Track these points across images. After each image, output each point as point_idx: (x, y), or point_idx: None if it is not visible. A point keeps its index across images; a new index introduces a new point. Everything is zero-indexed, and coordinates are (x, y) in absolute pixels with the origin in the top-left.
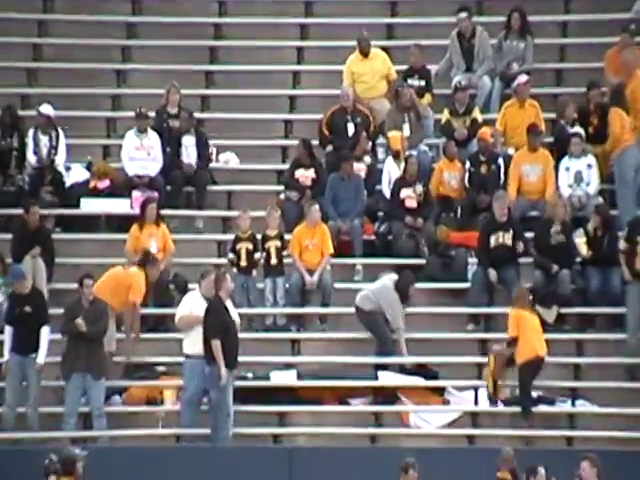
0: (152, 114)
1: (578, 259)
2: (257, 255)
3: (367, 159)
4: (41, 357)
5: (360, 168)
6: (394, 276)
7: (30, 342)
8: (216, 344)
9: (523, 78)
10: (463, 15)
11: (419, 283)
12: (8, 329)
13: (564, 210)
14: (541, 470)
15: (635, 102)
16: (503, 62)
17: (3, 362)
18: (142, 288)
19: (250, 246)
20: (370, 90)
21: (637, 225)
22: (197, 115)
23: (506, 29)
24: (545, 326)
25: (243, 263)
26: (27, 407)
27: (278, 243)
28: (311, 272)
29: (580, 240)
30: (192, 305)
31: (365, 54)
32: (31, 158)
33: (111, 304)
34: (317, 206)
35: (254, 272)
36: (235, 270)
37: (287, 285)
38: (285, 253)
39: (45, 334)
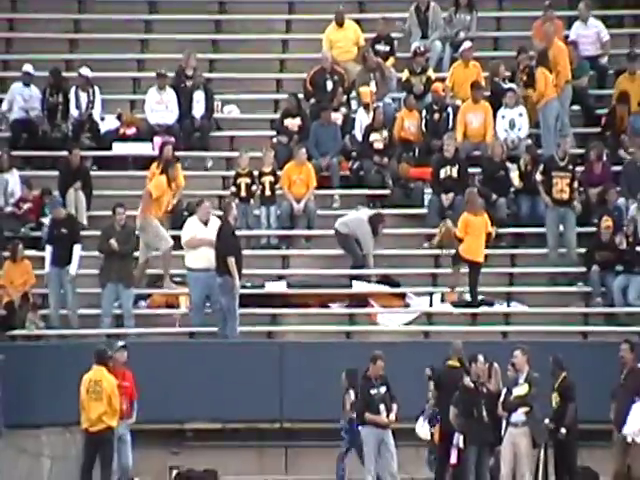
0: (171, 74)
1: (512, 189)
2: (254, 187)
3: (343, 110)
4: (73, 269)
5: (337, 117)
6: (369, 212)
7: (65, 257)
8: (231, 260)
9: (468, 44)
10: None
11: (385, 209)
12: (49, 247)
13: (501, 150)
14: (480, 357)
15: (556, 65)
16: (453, 31)
17: (45, 274)
18: (161, 184)
19: (248, 180)
20: (344, 54)
21: (551, 162)
22: (206, 75)
23: (455, 4)
24: (486, 242)
25: (243, 194)
26: (67, 309)
27: (272, 178)
28: (298, 201)
29: (514, 174)
30: (194, 229)
31: (340, 24)
32: (73, 111)
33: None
34: (304, 149)
35: (251, 201)
36: (236, 200)
37: (279, 212)
38: (277, 186)
39: (77, 251)
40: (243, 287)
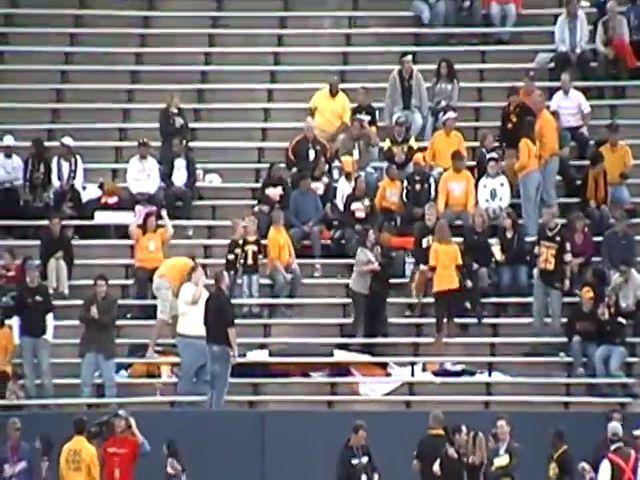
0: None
1: (493, 259)
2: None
3: (325, 179)
4: (49, 335)
5: (318, 186)
6: None
7: (39, 326)
8: (232, 332)
9: (452, 114)
10: (408, 58)
11: None
12: (16, 318)
13: (482, 220)
14: (464, 428)
15: (542, 136)
16: (435, 101)
17: (17, 344)
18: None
19: (238, 251)
20: (328, 124)
21: (539, 233)
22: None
23: (437, 75)
24: (466, 312)
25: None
26: (42, 378)
27: (255, 247)
28: (286, 269)
29: (495, 248)
30: (192, 289)
31: (333, 95)
32: (55, 180)
33: (174, 283)
34: (281, 213)
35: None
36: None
37: (270, 281)
38: (260, 256)
39: (51, 319)
40: None
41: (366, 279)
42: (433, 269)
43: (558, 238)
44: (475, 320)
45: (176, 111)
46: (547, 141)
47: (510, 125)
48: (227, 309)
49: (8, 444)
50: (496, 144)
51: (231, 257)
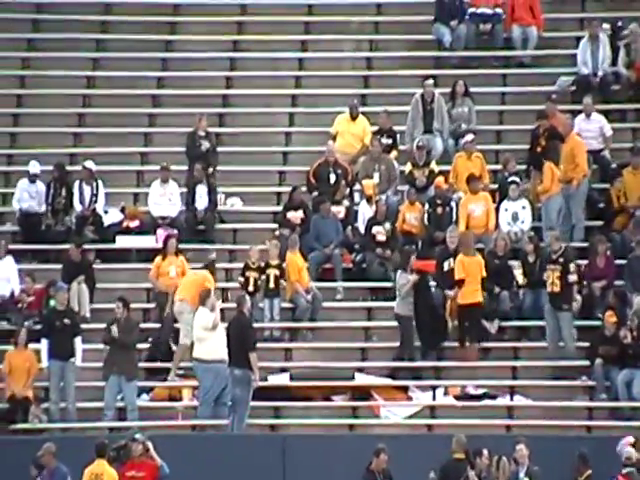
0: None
1: (515, 282)
2: (260, 281)
3: (345, 202)
4: (79, 360)
5: (339, 210)
6: None
7: (67, 349)
8: (254, 357)
9: (470, 137)
10: (429, 82)
11: (387, 302)
12: (45, 340)
13: (504, 243)
14: (485, 452)
15: (574, 157)
16: (454, 125)
17: (45, 367)
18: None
19: (256, 274)
20: (349, 147)
21: (546, 257)
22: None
23: (452, 97)
24: (488, 336)
25: (250, 288)
26: (67, 402)
27: (277, 271)
28: (307, 292)
29: (517, 271)
30: (208, 315)
31: (353, 118)
32: (77, 204)
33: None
34: (296, 236)
35: (257, 295)
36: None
37: (291, 305)
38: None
39: (79, 342)
40: None
41: (409, 302)
42: (461, 282)
43: (562, 260)
44: (496, 344)
45: (203, 134)
46: (579, 162)
47: (539, 148)
48: (249, 333)
49: (45, 471)
50: (518, 167)
51: (241, 279)
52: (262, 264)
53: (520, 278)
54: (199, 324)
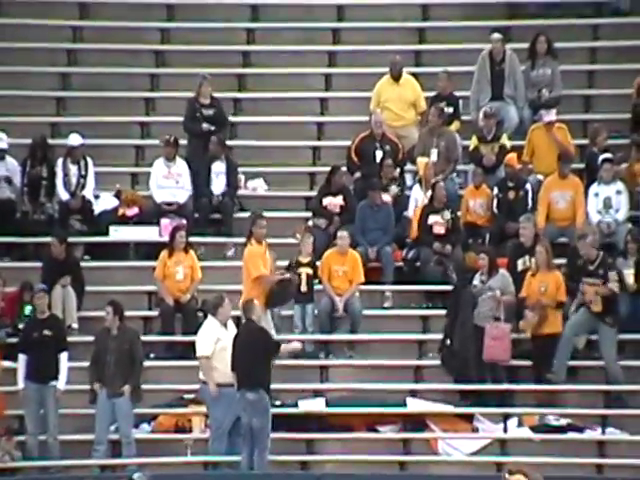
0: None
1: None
2: None
3: (394, 188)
4: (61, 383)
5: (387, 197)
6: None
7: (48, 368)
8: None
9: (552, 115)
10: (497, 36)
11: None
12: (22, 356)
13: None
14: None
15: None
16: (533, 90)
17: (20, 391)
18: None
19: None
20: (397, 118)
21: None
22: (226, 142)
23: (531, 56)
24: (575, 353)
25: (303, 288)
26: (48, 435)
27: (310, 270)
28: (339, 297)
29: (628, 271)
30: (214, 334)
31: (396, 79)
32: (60, 188)
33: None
34: (346, 233)
35: None
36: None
37: (316, 311)
38: (316, 281)
39: (64, 360)
40: (272, 406)
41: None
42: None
43: (601, 271)
44: (583, 362)
45: (207, 102)
46: None
47: None
48: (263, 341)
49: None
50: (611, 142)
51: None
52: (292, 262)
53: (631, 279)
54: (206, 339)
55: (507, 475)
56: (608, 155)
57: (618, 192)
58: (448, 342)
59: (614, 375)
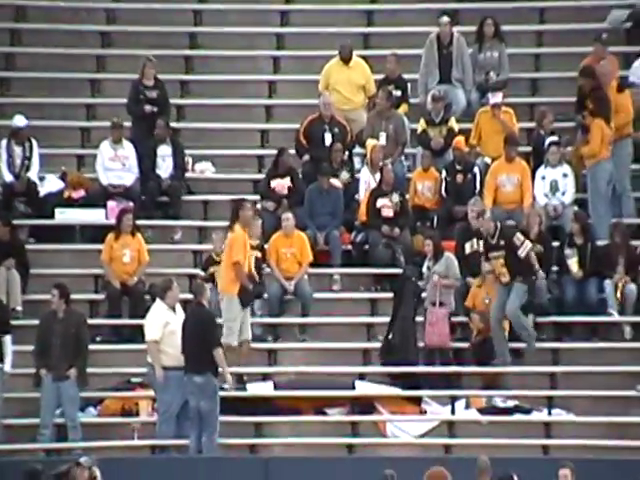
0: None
1: (554, 268)
2: None
3: (344, 174)
4: (8, 365)
5: (338, 182)
6: None
7: None
8: (220, 352)
9: (498, 97)
10: (445, 20)
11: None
12: None
13: (538, 220)
14: (515, 478)
15: (615, 114)
16: (480, 73)
17: None
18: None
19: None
20: (346, 101)
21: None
22: (173, 125)
23: (478, 39)
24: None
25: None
26: None
27: (258, 254)
28: (288, 281)
29: (572, 260)
30: (163, 318)
31: (346, 61)
32: (4, 170)
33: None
34: (290, 214)
35: None
36: (211, 284)
37: (265, 295)
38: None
39: (9, 343)
40: (220, 389)
41: None
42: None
43: (502, 242)
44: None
45: (151, 84)
46: (622, 119)
47: (586, 111)
48: (210, 328)
49: None
50: (558, 125)
51: (203, 274)
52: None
53: (575, 268)
54: (155, 323)
55: None
56: (555, 138)
57: (565, 175)
58: (390, 336)
59: (517, 326)
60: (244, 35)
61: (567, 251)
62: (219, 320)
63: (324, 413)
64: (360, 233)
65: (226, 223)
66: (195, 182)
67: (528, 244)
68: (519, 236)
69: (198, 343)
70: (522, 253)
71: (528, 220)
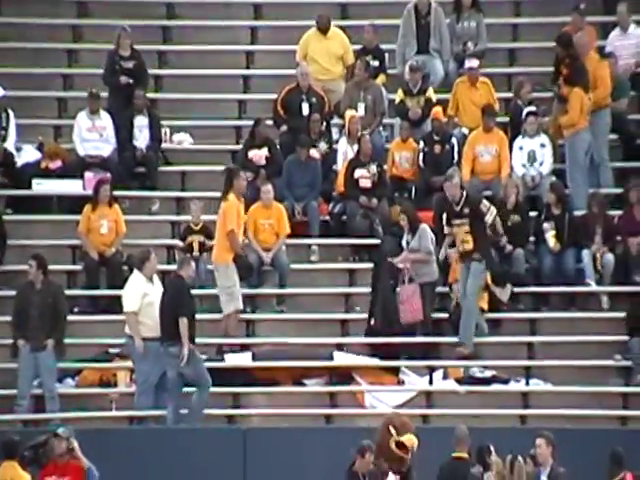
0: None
1: (532, 238)
2: (209, 243)
3: (322, 145)
4: None
5: (317, 152)
6: None
7: None
8: (184, 321)
9: (474, 62)
10: None
11: (373, 263)
12: None
13: (515, 190)
14: (492, 448)
15: (593, 84)
16: (458, 43)
17: None
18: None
19: (202, 238)
20: (324, 71)
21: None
22: (149, 95)
23: (456, 9)
24: (499, 305)
25: (195, 253)
26: None
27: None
28: (267, 252)
29: (549, 234)
30: (141, 289)
31: (324, 32)
32: None
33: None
34: (270, 186)
35: (204, 255)
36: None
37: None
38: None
39: None
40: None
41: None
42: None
43: (467, 210)
44: (508, 315)
45: (127, 54)
46: (599, 89)
47: (562, 79)
48: (179, 297)
49: None
50: (536, 95)
51: (182, 245)
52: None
53: (552, 242)
54: (129, 297)
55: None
56: (532, 108)
57: (542, 145)
58: (372, 322)
59: (466, 309)
60: (222, 5)
61: (545, 225)
62: (215, 290)
63: (302, 384)
64: (338, 204)
65: (203, 194)
66: (173, 153)
67: (494, 210)
68: (485, 202)
69: (172, 314)
70: (489, 219)
71: (506, 190)
